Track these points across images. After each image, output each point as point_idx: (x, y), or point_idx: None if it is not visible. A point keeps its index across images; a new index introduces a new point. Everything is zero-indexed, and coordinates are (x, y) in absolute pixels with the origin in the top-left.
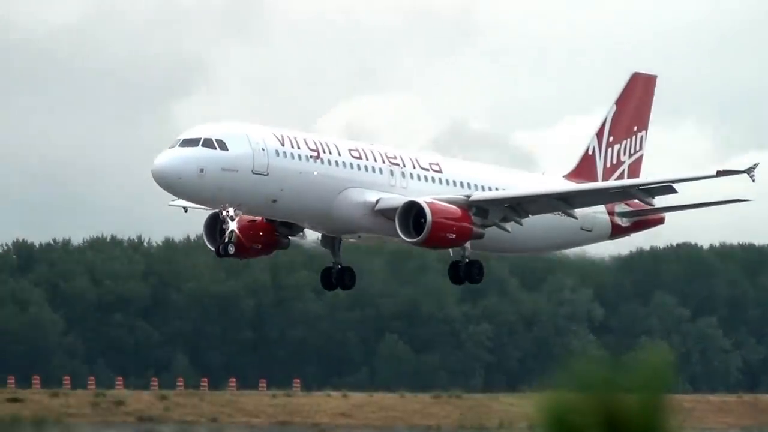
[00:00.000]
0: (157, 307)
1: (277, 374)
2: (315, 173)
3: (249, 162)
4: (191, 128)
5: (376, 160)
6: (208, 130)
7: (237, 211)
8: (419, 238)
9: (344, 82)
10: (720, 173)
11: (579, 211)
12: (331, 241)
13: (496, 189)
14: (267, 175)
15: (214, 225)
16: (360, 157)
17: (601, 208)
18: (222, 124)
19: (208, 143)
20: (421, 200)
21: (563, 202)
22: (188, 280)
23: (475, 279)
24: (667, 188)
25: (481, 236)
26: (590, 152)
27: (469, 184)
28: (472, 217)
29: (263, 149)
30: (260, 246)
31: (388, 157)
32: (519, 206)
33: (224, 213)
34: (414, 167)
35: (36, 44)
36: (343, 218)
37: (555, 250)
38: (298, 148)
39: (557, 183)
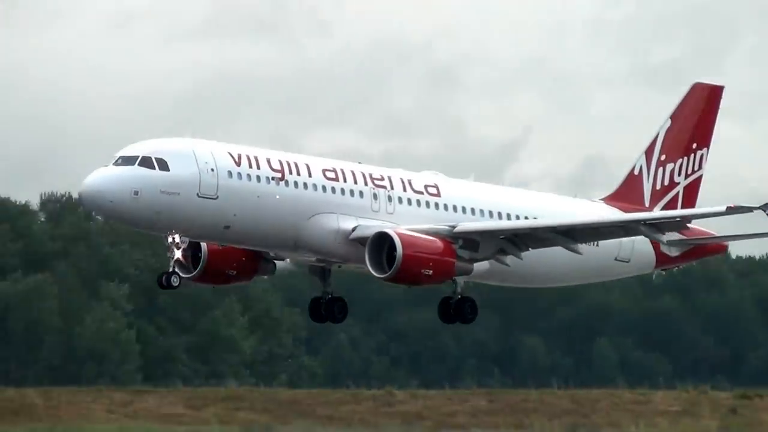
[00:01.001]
0: None
1: None
2: (277, 197)
3: (193, 183)
4: (131, 145)
5: (356, 182)
6: (148, 147)
7: (183, 238)
8: (388, 273)
9: None
10: (730, 209)
11: (614, 241)
12: (319, 269)
13: (516, 216)
14: (216, 198)
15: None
16: (335, 179)
17: (641, 236)
18: (166, 140)
19: (146, 162)
20: (392, 231)
21: (564, 236)
22: None
23: (467, 318)
24: (678, 223)
25: (468, 272)
26: (636, 172)
27: (473, 210)
28: (458, 250)
29: (212, 169)
30: (235, 272)
31: (373, 179)
32: (517, 239)
33: (169, 240)
34: (404, 189)
35: None
36: (312, 246)
37: (586, 282)
38: (258, 168)
39: (586, 209)
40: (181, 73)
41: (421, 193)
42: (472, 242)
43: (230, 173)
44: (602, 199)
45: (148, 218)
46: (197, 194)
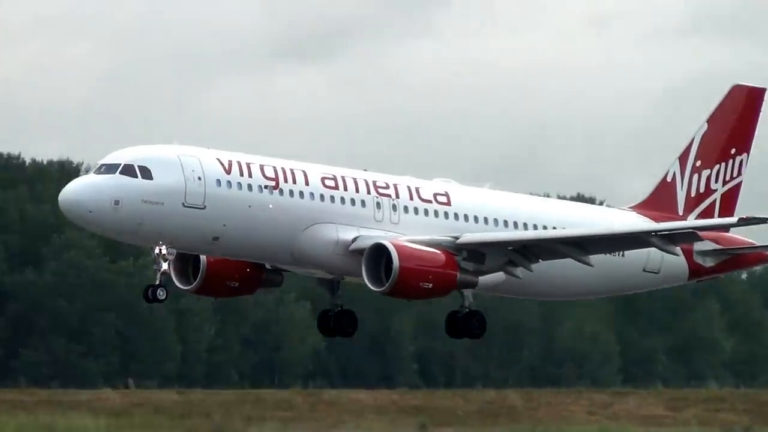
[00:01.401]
0: None
1: None
2: (270, 206)
3: (178, 193)
4: (116, 151)
5: (358, 190)
6: (131, 154)
7: (170, 250)
8: (384, 287)
9: None
10: (742, 221)
11: (642, 252)
12: (328, 281)
13: (533, 226)
14: (204, 208)
15: (182, 260)
16: (335, 187)
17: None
18: (152, 146)
19: (128, 170)
20: (389, 243)
21: (573, 247)
22: None
23: (475, 333)
24: (689, 235)
25: (473, 285)
26: (669, 179)
27: (486, 219)
28: (461, 262)
29: (199, 178)
30: (237, 284)
31: (376, 187)
32: (526, 250)
33: (156, 251)
34: (411, 198)
35: None
36: (309, 258)
37: (612, 295)
38: (250, 176)
39: (610, 218)
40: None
41: (430, 201)
42: (477, 254)
43: (219, 182)
44: (633, 207)
45: (130, 229)
46: (183, 204)
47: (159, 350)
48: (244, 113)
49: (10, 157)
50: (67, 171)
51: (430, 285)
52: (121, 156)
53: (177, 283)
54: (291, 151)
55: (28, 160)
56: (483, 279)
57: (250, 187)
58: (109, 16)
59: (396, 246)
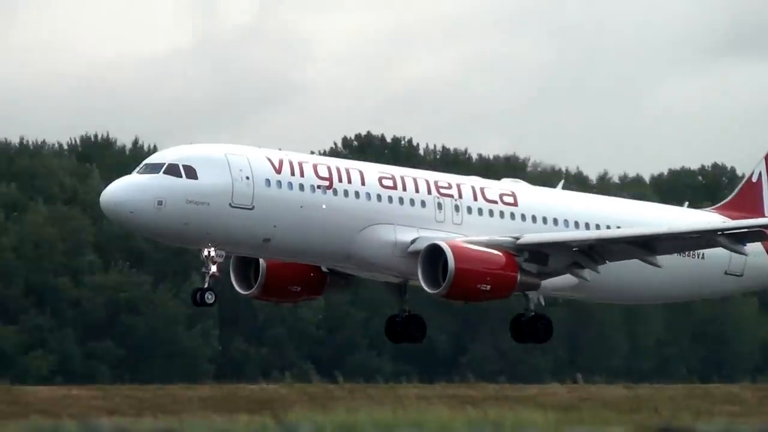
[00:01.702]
0: None
1: None
2: (323, 206)
3: (225, 192)
4: (160, 151)
5: (418, 190)
6: (176, 153)
7: (219, 252)
8: (440, 289)
9: None
10: None
11: (724, 253)
12: (395, 284)
13: (606, 227)
14: (252, 208)
15: (243, 263)
16: (393, 187)
17: (759, 247)
18: (198, 146)
19: (172, 170)
20: (444, 243)
21: (638, 247)
22: None
23: (540, 337)
24: (758, 234)
25: (535, 287)
26: (754, 179)
27: (555, 220)
28: (523, 264)
29: (248, 177)
30: (299, 288)
31: (438, 187)
32: (591, 251)
33: (204, 254)
34: (475, 198)
35: None
36: (366, 260)
37: (691, 299)
38: (302, 176)
39: (686, 218)
40: None
41: (495, 202)
42: (540, 255)
43: (268, 181)
44: (716, 209)
45: (175, 230)
46: (230, 204)
47: (606, 345)
48: (691, 110)
49: (456, 153)
50: (512, 165)
51: (488, 287)
52: (166, 155)
53: (237, 288)
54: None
55: (474, 156)
56: (551, 281)
57: (301, 186)
58: (552, 12)
59: (452, 247)
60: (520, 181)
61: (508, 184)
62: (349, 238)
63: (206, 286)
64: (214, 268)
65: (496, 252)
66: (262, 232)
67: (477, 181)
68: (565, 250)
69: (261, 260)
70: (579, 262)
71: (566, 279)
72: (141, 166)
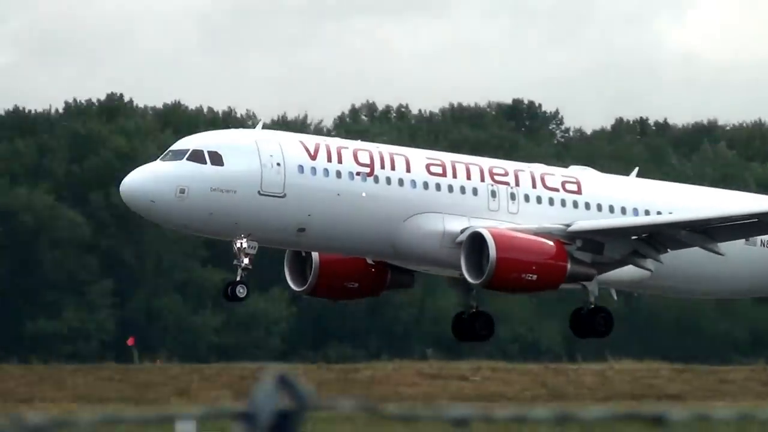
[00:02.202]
0: None
1: None
2: (363, 194)
3: (253, 180)
4: (186, 137)
5: (469, 177)
6: (202, 139)
7: (251, 243)
8: (482, 279)
9: None
10: None
11: None
12: (462, 280)
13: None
14: (283, 196)
15: (297, 259)
16: (442, 174)
17: None
18: (227, 131)
19: (196, 156)
20: (486, 231)
21: (695, 233)
22: None
23: (599, 331)
24: None
25: (589, 277)
26: None
27: (623, 209)
28: (575, 252)
29: (278, 164)
30: (357, 284)
31: (493, 174)
32: (651, 238)
33: (236, 246)
34: (534, 186)
35: None
36: (413, 251)
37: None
38: (339, 162)
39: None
40: None
41: (557, 190)
42: (594, 243)
43: (301, 168)
44: None
45: (199, 220)
46: (258, 192)
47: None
48: None
49: None
50: None
51: (534, 277)
52: (191, 141)
53: (291, 284)
54: None
55: None
56: (615, 273)
57: (338, 173)
58: None
59: (495, 234)
60: (588, 168)
61: (573, 171)
62: (392, 228)
63: (238, 279)
64: (246, 261)
65: (544, 240)
66: (295, 222)
67: (538, 168)
68: (621, 238)
69: (314, 255)
70: (639, 251)
71: (631, 271)
72: (165, 152)
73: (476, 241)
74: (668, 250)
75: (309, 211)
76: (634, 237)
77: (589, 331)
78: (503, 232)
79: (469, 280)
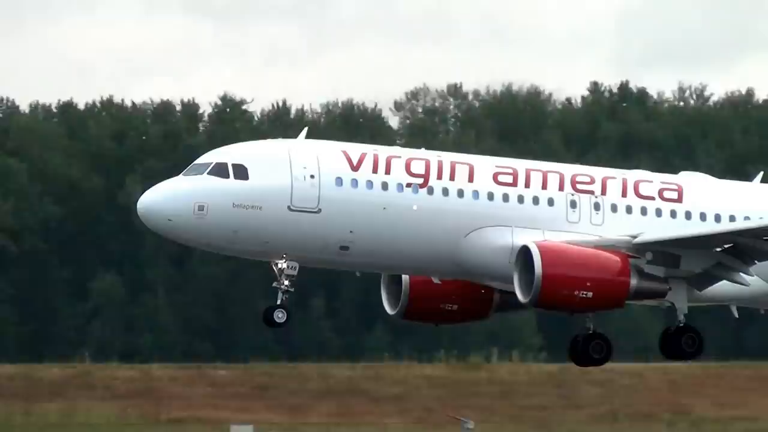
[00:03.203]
0: None
1: None
2: (414, 207)
3: (282, 194)
4: (218, 149)
5: (545, 187)
6: (229, 152)
7: (290, 264)
8: (529, 297)
9: None
10: None
11: None
12: None
13: None
14: (318, 212)
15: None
16: (512, 183)
17: None
18: (258, 142)
19: (219, 170)
20: (534, 244)
21: None
22: None
23: (687, 353)
24: None
25: (662, 293)
26: None
27: (733, 218)
28: (645, 266)
29: (312, 176)
30: (456, 306)
31: (575, 182)
32: (737, 249)
33: (276, 267)
34: (624, 195)
35: None
36: (479, 269)
37: None
38: (387, 173)
39: None
40: None
41: (651, 198)
42: (668, 255)
43: (340, 180)
44: None
45: (223, 239)
46: (288, 207)
47: None
48: None
49: None
50: None
51: (590, 294)
52: (218, 153)
53: (387, 308)
54: None
55: None
56: (716, 288)
57: (384, 185)
58: None
59: (542, 248)
60: (700, 174)
61: (680, 177)
62: (452, 244)
63: (278, 303)
64: (286, 283)
65: (603, 253)
66: (335, 240)
67: (634, 175)
68: (699, 249)
69: (404, 276)
70: (724, 263)
71: (725, 286)
72: (189, 166)
73: (526, 255)
74: (756, 261)
75: (350, 227)
76: (717, 248)
77: (677, 353)
78: (553, 245)
79: (521, 298)
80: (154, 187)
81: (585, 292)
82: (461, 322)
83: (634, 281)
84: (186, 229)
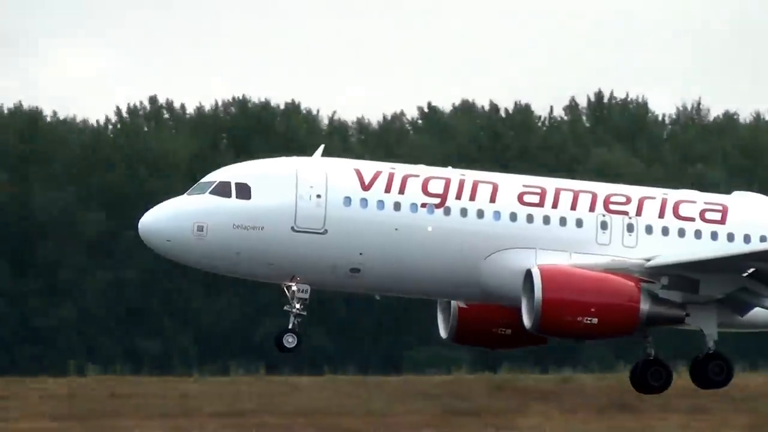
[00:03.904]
0: None
1: None
2: (429, 229)
3: (285, 215)
4: (225, 167)
5: (574, 207)
6: (235, 170)
7: (302, 287)
8: (531, 324)
9: None
10: None
11: None
12: None
13: None
14: (324, 233)
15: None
16: (538, 203)
17: None
18: (267, 160)
19: (221, 189)
20: (537, 267)
21: None
22: None
23: (714, 381)
24: None
25: (679, 320)
26: None
27: None
28: (659, 292)
29: (318, 195)
30: (509, 331)
31: (609, 202)
32: (760, 273)
33: (289, 290)
34: (661, 215)
35: None
36: (503, 293)
37: None
38: (401, 192)
39: None
40: None
41: (691, 219)
42: (685, 280)
43: (348, 200)
44: None
45: (225, 260)
46: (292, 228)
47: None
48: None
49: None
50: None
51: (595, 320)
52: (223, 172)
53: (441, 332)
54: None
55: None
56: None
57: (397, 205)
58: None
59: (545, 272)
60: (754, 194)
61: (724, 198)
62: (471, 266)
63: (290, 327)
64: (298, 306)
65: (611, 277)
66: (344, 262)
67: (677, 195)
68: (720, 273)
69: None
70: (749, 288)
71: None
72: (194, 185)
73: (529, 279)
74: None
75: (360, 249)
76: (739, 272)
77: (706, 381)
78: (557, 268)
79: (525, 323)
80: (156, 207)
81: (589, 318)
82: (517, 346)
83: (645, 307)
84: (186, 250)
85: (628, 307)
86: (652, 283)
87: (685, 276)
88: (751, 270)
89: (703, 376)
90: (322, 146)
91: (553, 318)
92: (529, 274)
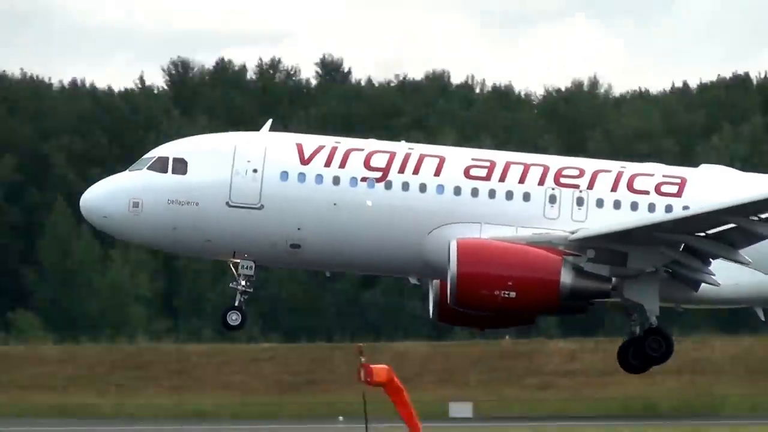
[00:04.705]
0: None
1: None
2: (369, 203)
3: (219, 190)
4: (170, 142)
5: (522, 181)
6: (174, 145)
7: (245, 263)
8: (449, 299)
9: None
10: None
11: None
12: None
13: None
14: (260, 208)
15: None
16: (486, 177)
17: None
18: (208, 135)
19: (159, 164)
20: (454, 241)
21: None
22: None
23: (653, 357)
24: None
25: (606, 294)
26: None
27: None
28: (584, 265)
29: (255, 170)
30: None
31: (560, 175)
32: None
33: (232, 266)
34: (614, 189)
35: None
36: (446, 270)
37: None
38: (341, 166)
39: None
40: None
41: (645, 193)
42: (613, 252)
43: (285, 174)
44: None
45: (164, 237)
46: (227, 203)
47: None
48: None
49: None
50: None
51: (513, 294)
52: (164, 148)
53: (431, 311)
54: None
55: None
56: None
57: (336, 180)
58: None
59: (461, 245)
60: (721, 166)
61: (686, 171)
62: (414, 242)
63: (235, 304)
64: (243, 283)
65: (532, 250)
66: (283, 238)
67: (635, 168)
68: (647, 245)
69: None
70: (680, 261)
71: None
72: (137, 161)
73: (449, 253)
74: (711, 259)
75: (298, 224)
76: (665, 245)
77: (644, 357)
78: (475, 242)
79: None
80: (97, 183)
81: (507, 292)
82: (503, 326)
83: (566, 280)
84: (122, 226)
85: (548, 280)
86: (578, 256)
87: (612, 249)
88: (681, 244)
89: (640, 351)
90: (270, 121)
91: (469, 292)
92: (448, 248)
